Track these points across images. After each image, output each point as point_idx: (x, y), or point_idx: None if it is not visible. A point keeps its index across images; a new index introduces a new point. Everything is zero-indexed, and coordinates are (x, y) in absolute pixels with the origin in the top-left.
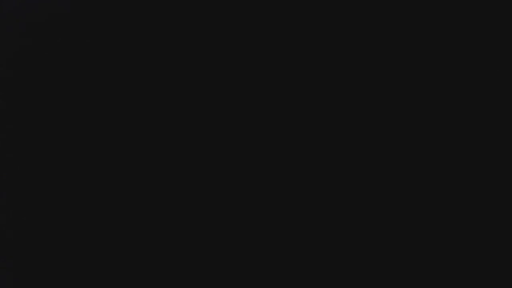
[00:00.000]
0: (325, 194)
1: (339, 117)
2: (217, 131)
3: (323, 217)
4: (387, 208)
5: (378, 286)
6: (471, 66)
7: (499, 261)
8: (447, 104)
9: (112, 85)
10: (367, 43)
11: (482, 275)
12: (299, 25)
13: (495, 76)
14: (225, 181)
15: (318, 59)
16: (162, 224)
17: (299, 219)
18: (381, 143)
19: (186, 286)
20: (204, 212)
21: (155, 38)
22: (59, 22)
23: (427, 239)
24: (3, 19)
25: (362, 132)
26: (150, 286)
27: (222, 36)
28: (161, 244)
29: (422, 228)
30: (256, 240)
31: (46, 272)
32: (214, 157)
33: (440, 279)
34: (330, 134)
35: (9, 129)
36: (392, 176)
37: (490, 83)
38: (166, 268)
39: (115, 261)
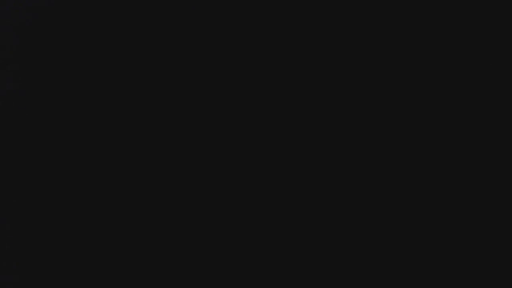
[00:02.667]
0: (325, 193)
1: (339, 117)
2: (217, 132)
3: (323, 217)
4: (387, 208)
5: (378, 286)
6: (471, 66)
7: (499, 261)
8: (447, 104)
9: (110, 83)
10: (367, 43)
11: (482, 275)
12: (299, 25)
13: (495, 76)
14: (225, 181)
15: (318, 59)
16: (162, 224)
17: (299, 219)
18: (381, 143)
19: (186, 286)
20: (204, 212)
21: (151, 34)
22: (54, 19)
23: (427, 239)
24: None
25: (362, 132)
26: (150, 286)
27: (220, 36)
28: (161, 244)
29: (422, 228)
30: (256, 240)
31: (48, 272)
32: (214, 157)
33: (440, 279)
34: (330, 134)
35: (8, 129)
36: (392, 176)
37: (490, 83)
38: (166, 268)
39: (116, 261)
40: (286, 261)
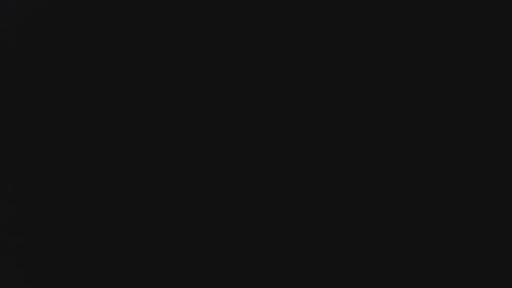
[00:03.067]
0: (325, 194)
1: (339, 117)
2: (217, 131)
3: (323, 217)
4: (387, 208)
5: (378, 286)
6: (471, 66)
7: (499, 261)
8: (447, 104)
9: (110, 83)
10: (367, 43)
11: (482, 275)
12: (299, 25)
13: (495, 76)
14: (225, 181)
15: (318, 59)
16: (162, 224)
17: (299, 219)
18: (381, 143)
19: (186, 286)
20: (204, 212)
21: (151, 34)
22: (54, 19)
23: (427, 239)
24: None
25: (362, 132)
26: (150, 286)
27: (221, 36)
28: (161, 244)
29: (422, 228)
30: (256, 240)
31: (51, 272)
32: (214, 157)
33: (440, 279)
34: (330, 134)
35: (9, 129)
36: (392, 176)
37: (490, 83)
38: (166, 268)
39: (117, 261)
40: (286, 261)
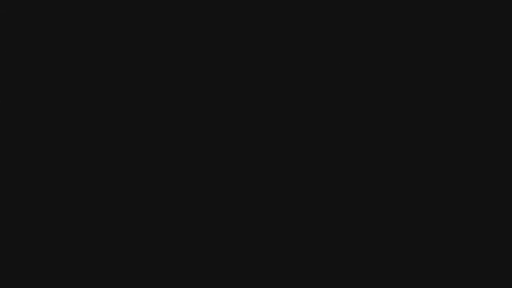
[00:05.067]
0: (325, 194)
1: (338, 117)
2: (217, 131)
3: (323, 217)
4: (387, 208)
5: (378, 286)
6: (471, 66)
7: (499, 261)
8: (447, 104)
9: (110, 83)
10: (367, 43)
11: (482, 275)
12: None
13: (495, 76)
14: (225, 181)
15: (318, 58)
16: (162, 224)
17: (299, 219)
18: (381, 143)
19: (186, 286)
20: (203, 212)
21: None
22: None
23: (427, 239)
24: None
25: (361, 132)
26: (150, 286)
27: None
28: (161, 244)
29: (422, 228)
30: (255, 240)
31: (48, 272)
32: (213, 157)
33: (440, 279)
34: (330, 134)
35: (9, 129)
36: (392, 176)
37: (490, 83)
38: (166, 268)
39: (116, 261)
40: (286, 261)
